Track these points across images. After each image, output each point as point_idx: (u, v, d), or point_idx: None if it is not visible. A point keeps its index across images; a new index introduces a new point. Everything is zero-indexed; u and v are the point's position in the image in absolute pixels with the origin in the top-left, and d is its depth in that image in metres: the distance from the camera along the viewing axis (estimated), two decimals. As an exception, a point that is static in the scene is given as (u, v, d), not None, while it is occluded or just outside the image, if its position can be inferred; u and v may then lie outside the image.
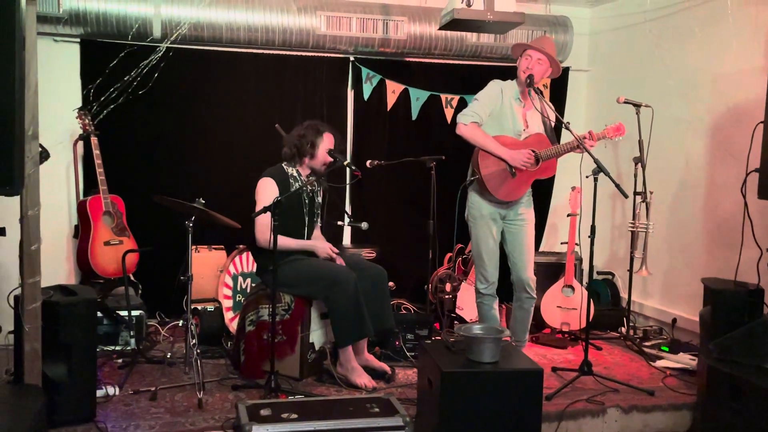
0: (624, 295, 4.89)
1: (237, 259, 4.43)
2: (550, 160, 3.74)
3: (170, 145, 4.81)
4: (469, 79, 5.17)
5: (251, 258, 4.28)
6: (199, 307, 4.24)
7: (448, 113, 5.24)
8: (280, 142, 3.90)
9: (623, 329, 4.66)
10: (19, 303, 2.83)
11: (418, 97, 5.21)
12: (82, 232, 4.32)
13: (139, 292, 4.43)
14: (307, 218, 3.81)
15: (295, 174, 3.78)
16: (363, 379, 3.52)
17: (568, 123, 3.76)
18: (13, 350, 3.04)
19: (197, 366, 3.43)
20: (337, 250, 3.71)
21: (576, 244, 4.52)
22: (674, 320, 4.57)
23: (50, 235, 4.12)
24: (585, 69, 5.63)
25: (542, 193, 5.05)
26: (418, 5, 5.06)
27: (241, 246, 4.45)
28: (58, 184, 4.62)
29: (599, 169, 3.44)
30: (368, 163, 4.53)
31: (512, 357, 2.97)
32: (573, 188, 4.54)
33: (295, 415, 2.67)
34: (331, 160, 3.77)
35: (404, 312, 4.86)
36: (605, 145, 4.70)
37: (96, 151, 4.27)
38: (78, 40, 4.57)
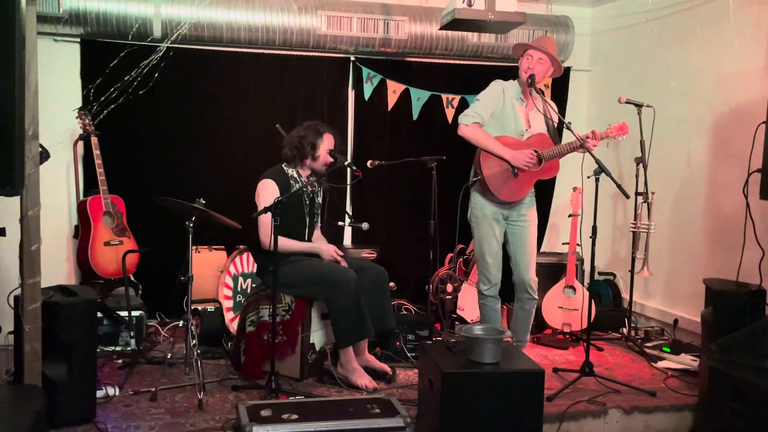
0: (625, 295, 4.88)
1: (237, 259, 4.42)
2: (553, 160, 3.73)
3: (170, 145, 4.81)
4: (470, 79, 5.17)
5: (251, 258, 4.28)
6: (200, 308, 4.23)
7: (449, 113, 5.24)
8: (281, 142, 3.89)
9: (624, 330, 4.66)
10: (19, 303, 2.83)
11: (419, 97, 5.21)
12: (82, 232, 4.31)
13: (140, 292, 4.43)
14: (307, 219, 3.81)
15: (295, 175, 3.77)
16: (364, 380, 3.51)
17: (570, 123, 3.75)
18: (13, 351, 3.05)
19: (197, 366, 3.42)
20: (341, 253, 3.71)
21: (577, 244, 4.52)
22: (676, 321, 4.57)
23: (50, 236, 4.13)
24: (586, 69, 5.63)
25: (543, 193, 5.04)
26: (419, 5, 5.06)
27: (241, 246, 4.45)
28: (58, 184, 4.62)
29: (601, 169, 3.44)
30: (369, 163, 4.53)
31: (513, 358, 2.96)
32: (574, 188, 4.54)
33: (295, 416, 2.67)
34: (332, 160, 3.76)
35: (405, 312, 4.86)
36: (607, 144, 4.70)
37: (96, 151, 4.27)
38: (78, 39, 4.57)
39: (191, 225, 3.53)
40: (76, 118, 4.30)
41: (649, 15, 4.88)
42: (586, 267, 4.56)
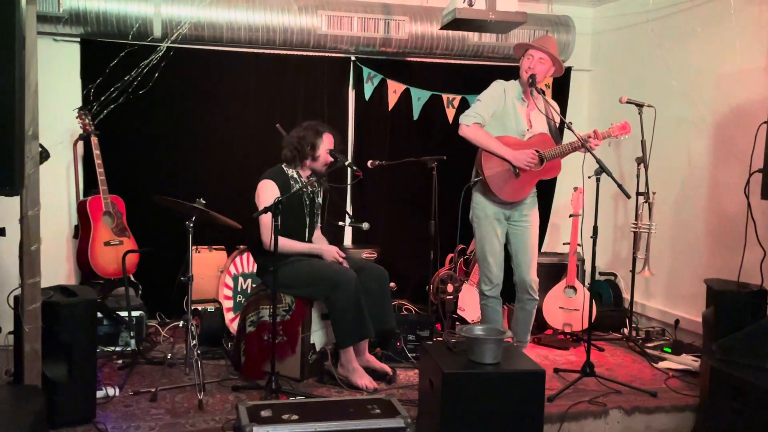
0: (626, 295, 4.88)
1: (237, 259, 4.42)
2: (554, 160, 3.72)
3: (170, 145, 4.81)
4: (471, 78, 5.17)
5: (251, 259, 4.28)
6: (200, 308, 4.23)
7: (450, 113, 5.24)
8: (281, 141, 3.89)
9: (625, 330, 4.66)
10: (19, 303, 2.83)
11: (420, 97, 5.20)
12: (82, 232, 4.31)
13: (140, 292, 4.43)
14: (307, 219, 3.80)
15: (295, 176, 3.77)
16: (364, 380, 3.51)
17: (570, 123, 3.75)
18: (13, 351, 3.05)
19: (197, 367, 3.42)
20: (344, 255, 3.70)
21: (578, 244, 4.52)
22: (677, 321, 4.56)
23: (50, 236, 4.12)
24: (587, 69, 5.63)
25: (544, 193, 5.03)
26: (419, 5, 5.06)
27: (241, 246, 4.44)
28: (58, 184, 4.62)
29: (602, 169, 3.43)
30: (369, 163, 4.52)
31: (514, 358, 2.96)
32: (575, 189, 4.54)
33: (295, 416, 2.66)
34: (332, 160, 3.76)
35: (405, 313, 4.86)
36: (609, 144, 4.69)
37: (96, 151, 4.27)
38: (78, 39, 4.57)
39: (191, 225, 3.53)
40: (76, 118, 4.30)
41: (650, 15, 4.88)
42: (587, 267, 4.56)
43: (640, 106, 4.38)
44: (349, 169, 4.20)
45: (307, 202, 3.80)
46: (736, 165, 4.05)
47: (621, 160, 5.14)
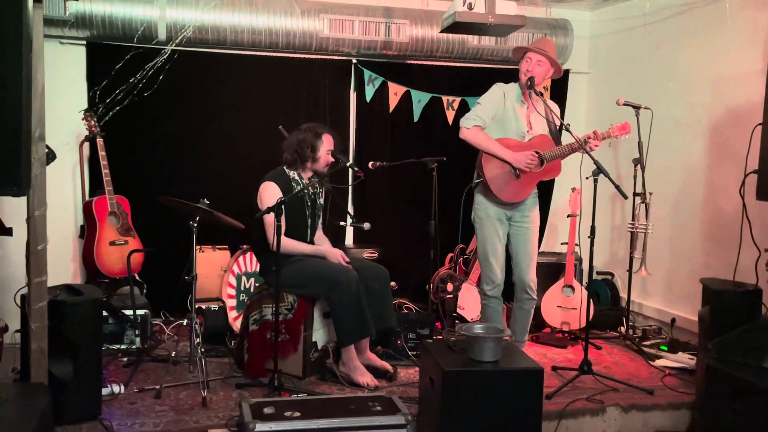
0: (623, 295, 4.91)
1: (241, 259, 4.46)
2: (554, 161, 3.75)
3: (175, 146, 4.85)
4: (471, 81, 5.21)
5: (254, 258, 4.31)
6: (204, 307, 4.26)
7: (450, 115, 5.27)
8: (283, 144, 3.92)
9: (623, 329, 4.68)
10: (26, 302, 2.86)
11: (420, 99, 5.24)
12: (88, 232, 4.35)
13: (144, 291, 4.46)
14: (309, 220, 3.83)
15: (297, 177, 3.79)
16: (365, 378, 3.54)
17: (569, 124, 3.78)
18: (19, 349, 3.08)
19: (201, 364, 3.45)
20: (348, 259, 3.71)
21: (576, 244, 4.55)
22: (673, 320, 4.60)
23: (56, 235, 4.10)
24: (585, 71, 5.66)
25: (543, 193, 5.00)
26: (420, 8, 5.09)
27: (244, 246, 4.48)
28: (64, 184, 4.65)
29: (599, 170, 3.47)
30: (370, 164, 4.55)
31: (513, 356, 2.99)
32: (573, 189, 4.57)
33: (297, 414, 2.68)
34: (333, 160, 3.79)
35: (406, 312, 4.88)
36: (609, 144, 4.73)
37: (102, 152, 4.30)
38: (84, 42, 4.61)
39: (195, 225, 3.57)
40: (82, 119, 4.34)
41: (648, 18, 4.90)
42: (585, 267, 4.57)
43: (637, 108, 4.41)
44: (350, 170, 4.24)
45: (309, 203, 3.82)
46: (732, 166, 4.09)
47: (618, 161, 5.17)
